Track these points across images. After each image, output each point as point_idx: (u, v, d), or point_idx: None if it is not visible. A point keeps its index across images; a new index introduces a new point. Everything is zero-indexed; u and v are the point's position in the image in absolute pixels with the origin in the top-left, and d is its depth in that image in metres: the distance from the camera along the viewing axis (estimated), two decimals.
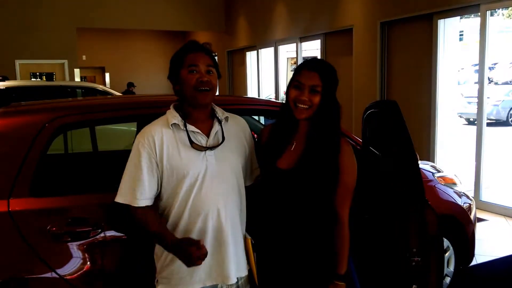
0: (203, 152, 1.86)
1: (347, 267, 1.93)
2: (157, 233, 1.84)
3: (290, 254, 1.93)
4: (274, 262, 1.96)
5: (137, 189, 1.82)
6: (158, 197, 1.90)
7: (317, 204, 1.91)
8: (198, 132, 1.88)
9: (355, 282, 2.03)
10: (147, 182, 1.83)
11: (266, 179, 2.00)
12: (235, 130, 2.01)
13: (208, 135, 1.90)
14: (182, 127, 1.86)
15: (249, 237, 2.00)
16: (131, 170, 1.84)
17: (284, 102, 1.99)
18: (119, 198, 1.85)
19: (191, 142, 1.85)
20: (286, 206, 1.92)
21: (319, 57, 8.91)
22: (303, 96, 1.85)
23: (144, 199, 1.84)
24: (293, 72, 1.96)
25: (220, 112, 1.98)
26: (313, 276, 1.92)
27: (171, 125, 1.86)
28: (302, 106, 1.85)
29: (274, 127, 2.04)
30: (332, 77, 1.89)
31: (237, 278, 1.94)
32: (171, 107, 1.95)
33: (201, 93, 1.85)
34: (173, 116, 1.88)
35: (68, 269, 2.10)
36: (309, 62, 1.91)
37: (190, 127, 1.87)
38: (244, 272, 1.97)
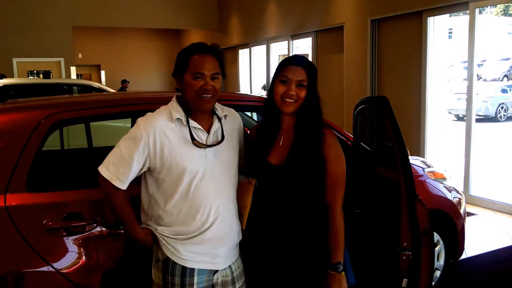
0: (203, 149, 1.89)
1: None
2: (128, 217, 1.90)
3: (286, 248, 1.95)
4: (269, 257, 1.98)
5: (123, 171, 1.84)
6: (158, 192, 1.91)
7: (311, 196, 1.94)
8: (199, 129, 1.90)
9: (349, 274, 2.05)
10: (134, 169, 1.85)
11: (259, 175, 2.03)
12: (232, 128, 2.04)
13: (208, 132, 1.92)
14: (184, 122, 1.88)
15: (253, 180, 2.04)
16: (124, 150, 1.84)
17: (267, 97, 2.02)
18: (104, 172, 1.84)
19: (192, 138, 1.87)
20: (281, 200, 1.94)
21: (310, 54, 8.95)
22: (291, 91, 1.89)
23: (126, 183, 1.86)
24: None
25: (220, 109, 2.00)
26: (309, 270, 1.94)
27: (174, 120, 1.87)
28: (289, 100, 1.89)
29: (260, 124, 2.08)
30: (315, 72, 1.95)
31: (233, 270, 1.99)
32: (174, 99, 1.95)
33: (203, 99, 1.86)
34: (176, 110, 1.89)
35: (64, 263, 2.13)
36: (294, 58, 1.96)
37: (193, 123, 1.89)
38: (233, 259, 2.00)
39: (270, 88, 1.97)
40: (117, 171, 1.83)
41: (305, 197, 1.94)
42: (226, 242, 1.95)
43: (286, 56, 2.05)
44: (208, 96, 1.85)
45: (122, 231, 2.22)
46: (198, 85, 1.84)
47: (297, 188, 1.92)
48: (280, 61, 1.98)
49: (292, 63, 1.93)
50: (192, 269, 1.89)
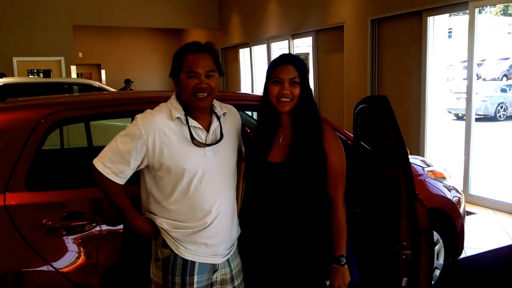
0: (203, 148, 1.88)
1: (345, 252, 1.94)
2: (128, 208, 1.88)
3: (286, 248, 1.95)
4: (269, 257, 1.98)
5: (120, 167, 1.83)
6: (156, 188, 1.91)
7: (312, 193, 1.94)
8: (199, 128, 1.90)
9: (353, 271, 2.05)
10: (132, 165, 1.84)
11: (259, 174, 2.02)
12: (231, 125, 2.04)
13: (207, 130, 1.92)
14: (184, 122, 1.87)
15: (242, 163, 2.04)
16: (121, 146, 1.82)
17: (261, 100, 2.02)
18: (99, 166, 1.83)
19: (192, 138, 1.86)
20: (281, 199, 1.94)
21: (311, 54, 8.96)
22: (285, 90, 1.89)
23: (124, 178, 1.85)
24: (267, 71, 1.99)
25: (218, 108, 2.00)
26: (309, 270, 1.95)
27: (175, 119, 1.86)
28: (285, 99, 1.90)
29: (258, 125, 2.09)
30: (305, 67, 1.95)
31: (232, 268, 2.00)
32: (174, 97, 1.94)
33: (199, 98, 1.85)
34: (176, 108, 1.88)
35: (64, 262, 2.13)
36: (283, 58, 1.96)
37: (192, 122, 1.88)
38: (232, 256, 2.01)
39: (264, 90, 1.98)
40: (114, 166, 1.82)
41: (306, 195, 1.94)
42: (226, 240, 1.95)
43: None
44: (204, 94, 1.85)
45: (122, 230, 2.23)
46: (192, 83, 1.84)
47: (299, 185, 1.92)
48: (269, 63, 1.98)
49: (282, 62, 1.93)
50: (193, 267, 1.88)
